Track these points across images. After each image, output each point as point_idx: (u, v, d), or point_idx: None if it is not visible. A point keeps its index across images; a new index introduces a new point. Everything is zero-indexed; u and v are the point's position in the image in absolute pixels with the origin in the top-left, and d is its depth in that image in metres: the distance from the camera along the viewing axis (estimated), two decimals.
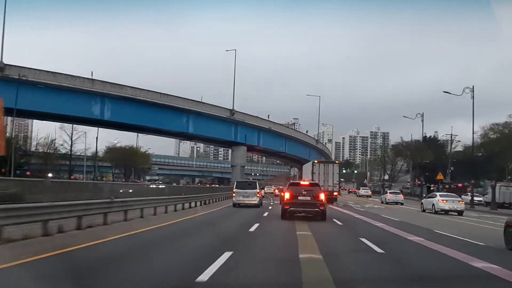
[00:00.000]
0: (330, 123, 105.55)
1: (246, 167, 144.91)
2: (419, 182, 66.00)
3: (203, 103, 55.85)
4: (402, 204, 40.85)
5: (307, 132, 76.75)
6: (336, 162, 36.51)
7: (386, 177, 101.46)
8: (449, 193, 30.70)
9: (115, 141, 78.44)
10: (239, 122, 60.30)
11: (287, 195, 17.70)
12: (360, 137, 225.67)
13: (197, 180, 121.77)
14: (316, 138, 79.52)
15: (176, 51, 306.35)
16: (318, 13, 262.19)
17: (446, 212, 26.88)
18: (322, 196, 17.41)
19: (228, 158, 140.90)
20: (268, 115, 65.99)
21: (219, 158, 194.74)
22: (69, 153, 66.73)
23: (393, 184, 79.89)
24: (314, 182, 22.32)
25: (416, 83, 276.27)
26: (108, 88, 47.50)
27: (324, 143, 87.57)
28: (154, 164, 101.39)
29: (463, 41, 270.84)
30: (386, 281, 6.86)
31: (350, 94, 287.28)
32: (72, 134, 67.94)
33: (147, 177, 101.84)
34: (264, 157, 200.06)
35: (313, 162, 34.14)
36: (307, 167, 37.08)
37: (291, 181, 27.84)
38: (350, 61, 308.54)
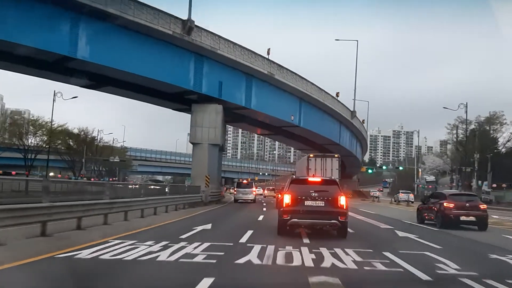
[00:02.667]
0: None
1: (251, 166, 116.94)
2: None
3: None
4: (412, 202, 43.08)
5: (337, 95, 44.10)
6: (336, 156, 30.37)
7: (431, 177, 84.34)
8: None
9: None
10: (204, 52, 28.90)
11: (287, 199, 11.36)
12: (381, 136, 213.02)
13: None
14: (352, 110, 47.65)
15: None
16: (341, 11, 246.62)
17: None
18: (342, 201, 11.32)
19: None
20: (269, 49, 34.22)
21: (233, 156, 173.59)
22: None
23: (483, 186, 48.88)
24: (330, 178, 15.18)
25: (442, 83, 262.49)
26: None
27: (362, 121, 55.03)
28: (134, 160, 78.73)
29: (493, 40, 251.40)
30: None
31: (371, 92, 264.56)
32: None
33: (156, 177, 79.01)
34: (275, 145, 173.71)
35: (308, 156, 30.05)
36: (301, 163, 33.75)
37: (293, 176, 16.42)
38: (371, 59, 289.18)
